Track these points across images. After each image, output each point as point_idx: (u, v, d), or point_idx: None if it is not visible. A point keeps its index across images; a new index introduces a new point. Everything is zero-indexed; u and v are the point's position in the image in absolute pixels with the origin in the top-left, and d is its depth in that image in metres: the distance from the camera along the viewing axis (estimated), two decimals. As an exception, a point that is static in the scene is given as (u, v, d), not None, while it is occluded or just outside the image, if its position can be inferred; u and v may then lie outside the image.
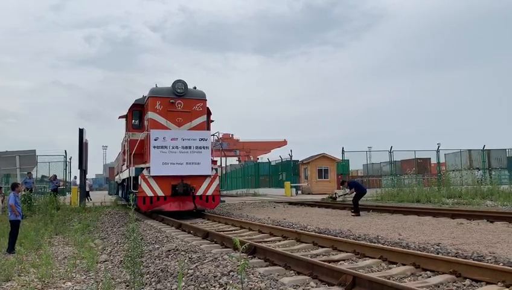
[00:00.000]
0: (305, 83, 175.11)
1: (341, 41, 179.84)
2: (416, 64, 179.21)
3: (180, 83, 14.15)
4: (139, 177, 13.20)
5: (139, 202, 12.84)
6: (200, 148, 13.85)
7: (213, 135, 15.22)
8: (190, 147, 13.71)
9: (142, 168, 13.36)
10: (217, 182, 14.24)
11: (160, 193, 13.32)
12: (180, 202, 13.52)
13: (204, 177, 13.95)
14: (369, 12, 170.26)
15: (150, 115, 13.94)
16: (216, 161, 15.38)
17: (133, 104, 15.45)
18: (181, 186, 13.31)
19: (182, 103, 14.13)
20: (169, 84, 14.25)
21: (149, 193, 13.18)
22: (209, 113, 15.06)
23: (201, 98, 14.56)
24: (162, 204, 13.34)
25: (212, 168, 14.15)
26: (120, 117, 16.98)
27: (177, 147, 13.55)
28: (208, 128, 14.90)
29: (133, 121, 15.55)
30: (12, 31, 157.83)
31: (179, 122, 14.06)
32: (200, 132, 14.13)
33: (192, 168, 13.65)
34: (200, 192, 13.83)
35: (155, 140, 13.33)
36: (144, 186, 13.16)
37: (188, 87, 14.31)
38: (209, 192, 14.04)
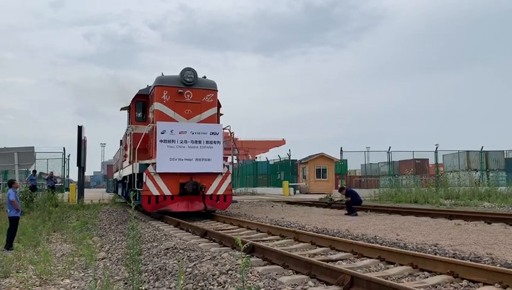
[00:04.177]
0: (305, 83, 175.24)
1: (341, 42, 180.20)
2: (415, 66, 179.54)
3: (189, 71, 13.05)
4: (144, 174, 12.06)
5: (143, 202, 11.98)
6: (211, 142, 12.72)
7: (225, 128, 13.88)
8: (200, 142, 12.60)
9: (147, 164, 12.21)
10: (229, 180, 13.10)
11: (167, 192, 12.19)
12: (188, 202, 12.47)
13: (216, 174, 12.85)
14: (370, 13, 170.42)
15: (156, 105, 12.86)
16: (227, 158, 14.34)
17: (137, 95, 14.38)
18: (190, 185, 12.19)
19: (191, 93, 13.05)
20: (177, 73, 13.13)
21: (155, 192, 12.06)
22: (219, 105, 13.97)
23: (212, 88, 13.44)
24: (169, 204, 12.26)
25: (223, 165, 13.08)
26: (122, 109, 15.90)
27: (185, 142, 12.42)
28: (218, 122, 13.73)
29: (137, 113, 14.49)
30: (11, 28, 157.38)
31: (188, 114, 12.99)
32: (211, 125, 13.05)
33: (202, 164, 12.53)
34: (210, 191, 12.69)
35: (162, 133, 12.21)
36: (149, 184, 12.03)
37: (198, 76, 13.25)
38: (221, 191, 12.90)
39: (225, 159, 13.67)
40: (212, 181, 12.77)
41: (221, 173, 12.92)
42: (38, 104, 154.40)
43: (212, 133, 12.80)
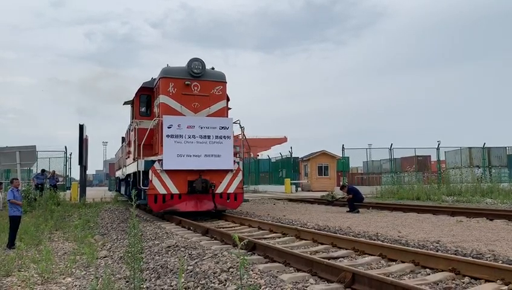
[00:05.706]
0: (306, 80, 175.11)
1: (341, 39, 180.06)
2: (416, 62, 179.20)
3: (197, 62, 12.28)
4: (150, 171, 11.37)
5: (149, 201, 11.40)
6: (221, 137, 12.00)
7: (235, 122, 12.89)
8: (209, 137, 11.86)
9: (153, 161, 11.53)
10: (239, 177, 12.38)
11: (174, 191, 11.52)
12: (197, 201, 11.77)
13: (226, 171, 12.12)
14: (370, 10, 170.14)
15: (162, 98, 12.09)
16: (237, 153, 13.62)
17: (141, 88, 13.64)
18: (199, 183, 11.47)
19: (198, 86, 12.27)
20: (184, 64, 12.38)
21: (161, 191, 11.40)
22: (227, 98, 13.12)
23: (220, 80, 12.67)
24: (177, 203, 11.59)
25: (234, 161, 12.37)
26: (125, 103, 15.20)
27: (194, 137, 11.69)
28: (227, 116, 12.94)
29: (141, 107, 13.75)
30: (13, 27, 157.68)
31: (195, 107, 12.22)
32: (221, 119, 12.30)
33: (211, 161, 11.80)
34: (220, 189, 11.98)
35: (168, 128, 11.51)
36: (155, 182, 11.35)
37: (206, 67, 12.48)
38: (231, 189, 12.17)
39: (235, 155, 12.98)
40: (222, 179, 12.08)
41: (231, 170, 12.23)
42: (39, 104, 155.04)
43: (222, 127, 12.10)
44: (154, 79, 13.41)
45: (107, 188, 47.46)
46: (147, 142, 12.28)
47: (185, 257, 6.16)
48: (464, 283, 4.74)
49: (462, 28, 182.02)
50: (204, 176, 11.72)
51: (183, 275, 4.98)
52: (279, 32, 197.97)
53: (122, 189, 19.42)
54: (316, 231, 8.53)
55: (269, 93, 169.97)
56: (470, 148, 28.70)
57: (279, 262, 5.81)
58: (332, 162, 33.20)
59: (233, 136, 12.88)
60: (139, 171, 11.72)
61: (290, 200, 20.61)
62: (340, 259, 6.13)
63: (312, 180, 32.86)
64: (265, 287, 4.54)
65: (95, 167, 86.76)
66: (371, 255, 6.21)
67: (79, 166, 21.57)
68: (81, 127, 20.67)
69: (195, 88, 12.32)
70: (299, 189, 32.38)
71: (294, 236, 8.24)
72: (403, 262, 5.65)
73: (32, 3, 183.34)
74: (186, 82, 12.18)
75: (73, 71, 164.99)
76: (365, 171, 31.87)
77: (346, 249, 6.72)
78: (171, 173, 11.55)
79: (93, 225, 11.77)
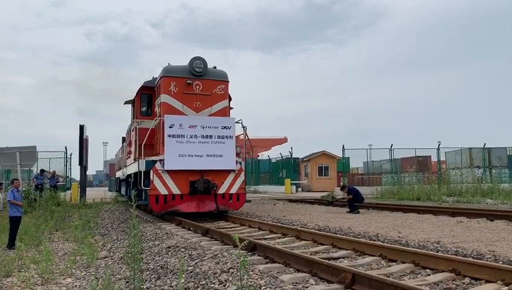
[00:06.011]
0: (306, 80, 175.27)
1: (341, 39, 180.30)
2: (416, 62, 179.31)
3: (199, 61, 12.16)
4: (152, 171, 11.21)
5: (151, 202, 11.24)
6: (223, 137, 11.87)
7: (237, 122, 12.76)
8: (211, 137, 11.74)
9: (154, 161, 11.38)
10: (242, 177, 12.23)
11: (176, 191, 11.36)
12: (199, 202, 11.60)
13: (228, 172, 11.97)
14: (370, 10, 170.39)
15: (163, 98, 11.98)
16: (239, 153, 13.49)
17: (142, 87, 13.53)
18: (201, 183, 11.34)
19: (200, 85, 12.15)
20: (186, 63, 12.25)
21: (163, 191, 11.23)
22: (229, 98, 13.00)
23: (223, 79, 12.55)
24: (178, 204, 11.43)
25: (236, 161, 12.22)
26: (126, 102, 15.09)
27: (196, 136, 11.56)
28: (229, 116, 12.78)
29: (142, 106, 13.68)
30: (13, 27, 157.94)
31: (197, 106, 12.10)
32: (223, 118, 12.18)
33: (213, 161, 11.67)
34: (222, 190, 11.84)
35: (170, 127, 11.38)
36: (156, 182, 11.19)
37: (208, 66, 12.36)
38: (233, 190, 12.03)
39: (237, 155, 12.79)
40: (224, 179, 11.94)
41: (233, 170, 12.08)
42: (39, 104, 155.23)
43: (224, 127, 11.97)
44: (155, 78, 13.31)
45: (107, 188, 47.48)
46: (148, 142, 12.17)
47: (185, 258, 6.16)
48: (464, 283, 4.73)
49: (462, 28, 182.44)
50: (206, 176, 11.58)
51: (183, 275, 4.98)
52: (279, 32, 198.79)
53: (123, 189, 19.37)
54: (316, 231, 8.52)
55: (269, 93, 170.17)
56: (470, 148, 28.68)
57: (279, 263, 5.80)
58: (333, 163, 33.16)
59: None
60: (140, 172, 11.55)
61: (290, 200, 20.60)
62: (340, 260, 6.13)
63: (312, 181, 32.83)
64: (266, 288, 4.54)
65: (95, 167, 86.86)
66: (371, 255, 6.21)
67: (79, 166, 21.58)
68: (81, 128, 20.68)
69: (197, 87, 12.17)
70: (299, 189, 32.35)
71: (294, 237, 8.23)
72: (403, 263, 5.64)
73: (32, 3, 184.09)
74: (187, 81, 12.04)
75: (74, 71, 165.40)
76: (365, 172, 31.87)
77: (346, 250, 6.72)
78: (172, 173, 11.39)
79: (93, 226, 11.77)
